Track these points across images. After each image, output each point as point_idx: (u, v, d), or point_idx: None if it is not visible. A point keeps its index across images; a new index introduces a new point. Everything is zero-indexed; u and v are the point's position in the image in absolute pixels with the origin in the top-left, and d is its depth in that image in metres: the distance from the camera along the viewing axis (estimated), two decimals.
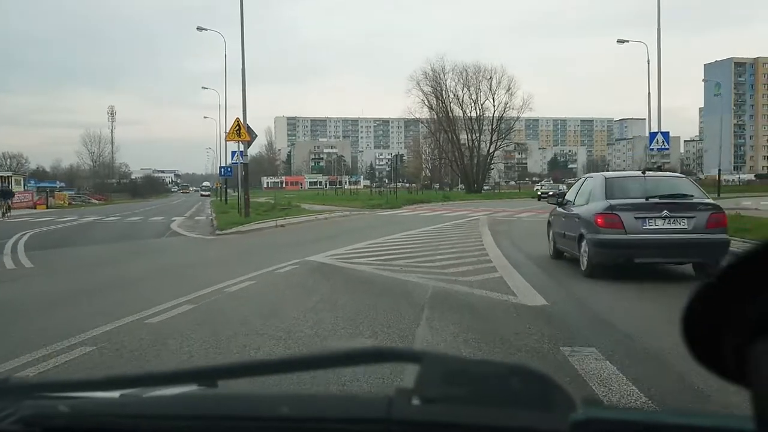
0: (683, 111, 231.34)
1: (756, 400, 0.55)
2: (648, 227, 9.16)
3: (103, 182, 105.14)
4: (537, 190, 62.94)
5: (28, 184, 75.10)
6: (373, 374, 4.34)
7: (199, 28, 42.85)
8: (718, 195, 37.49)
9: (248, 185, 26.07)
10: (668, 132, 25.58)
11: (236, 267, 11.26)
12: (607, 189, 9.90)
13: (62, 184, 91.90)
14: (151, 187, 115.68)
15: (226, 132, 23.28)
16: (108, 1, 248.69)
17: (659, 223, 9.15)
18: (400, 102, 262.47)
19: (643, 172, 10.95)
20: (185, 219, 31.14)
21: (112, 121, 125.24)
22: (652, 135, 25.08)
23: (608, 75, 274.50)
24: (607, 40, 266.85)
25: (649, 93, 38.27)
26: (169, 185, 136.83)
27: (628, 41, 41.03)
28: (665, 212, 9.14)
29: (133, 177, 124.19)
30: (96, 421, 0.99)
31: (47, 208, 51.96)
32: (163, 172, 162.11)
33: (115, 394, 1.06)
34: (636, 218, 9.19)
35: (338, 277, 10.31)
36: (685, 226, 9.13)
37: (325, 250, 13.83)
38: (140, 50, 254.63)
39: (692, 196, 9.67)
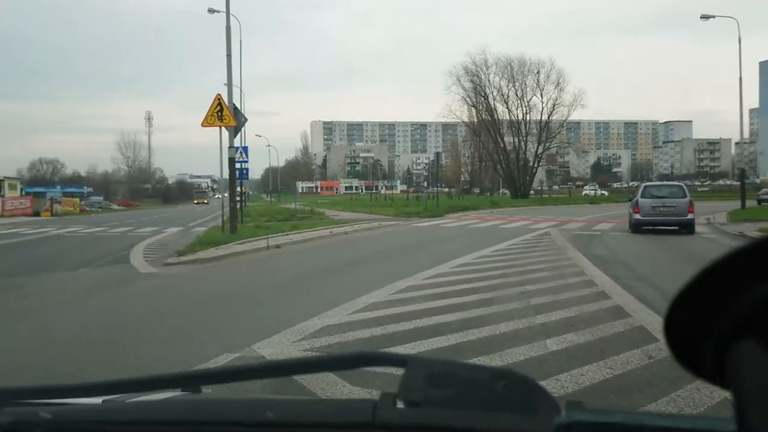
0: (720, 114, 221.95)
1: (736, 402, 0.56)
2: (655, 211, 19.58)
3: (138, 187, 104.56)
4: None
5: (53, 190, 71.22)
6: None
7: (211, 10, 37.83)
8: (743, 206, 30.94)
9: (242, 190, 19.51)
10: None
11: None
12: (642, 191, 20.69)
13: (90, 189, 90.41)
14: (182, 192, 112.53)
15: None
16: (145, 10, 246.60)
17: (661, 210, 19.56)
18: (437, 105, 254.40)
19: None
20: (179, 230, 25.19)
21: (149, 127, 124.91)
22: None
23: (652, 76, 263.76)
24: (648, 40, 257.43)
25: (740, 78, 33.16)
26: (206, 190, 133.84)
27: (713, 16, 35.26)
28: (663, 204, 19.65)
29: (170, 182, 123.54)
30: (78, 427, 0.98)
31: (52, 215, 47.17)
32: (199, 177, 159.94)
33: (97, 400, 1.06)
34: (651, 206, 19.66)
35: None
36: (673, 210, 19.50)
37: (310, 312, 7.42)
38: (177, 58, 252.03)
39: (681, 195, 19.97)
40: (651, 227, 19.41)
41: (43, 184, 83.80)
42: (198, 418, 0.95)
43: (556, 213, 34.91)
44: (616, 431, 0.76)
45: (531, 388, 0.81)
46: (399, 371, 0.84)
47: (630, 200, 21.58)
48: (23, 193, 58.45)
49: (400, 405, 0.83)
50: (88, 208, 62.47)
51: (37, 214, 46.94)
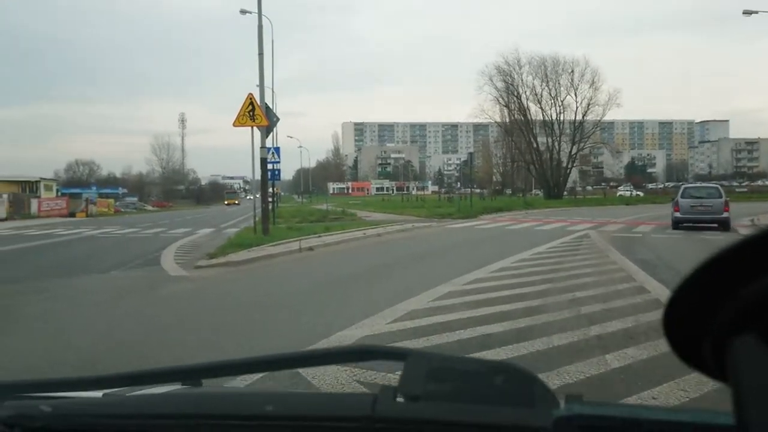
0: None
1: (735, 396, 0.56)
2: (693, 210, 21.41)
3: (172, 188, 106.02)
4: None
5: (88, 191, 72.29)
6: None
7: (243, 11, 38.03)
8: None
9: (274, 190, 19.18)
10: None
11: None
12: (682, 192, 22.87)
13: (125, 191, 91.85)
14: (215, 193, 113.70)
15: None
16: (179, 13, 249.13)
17: (699, 209, 21.31)
18: (468, 106, 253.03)
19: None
20: (211, 232, 25.02)
21: (183, 128, 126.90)
22: None
23: (687, 75, 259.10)
24: (682, 37, 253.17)
25: None
26: (237, 191, 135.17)
27: (756, 12, 34.26)
28: (701, 204, 21.38)
29: (203, 183, 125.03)
30: (78, 421, 0.97)
31: (87, 216, 47.64)
32: (232, 178, 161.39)
33: (98, 393, 1.06)
34: (690, 206, 21.52)
35: None
36: (710, 209, 21.15)
37: (346, 320, 7.03)
38: (210, 61, 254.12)
39: (717, 195, 21.57)
40: (690, 224, 21.33)
41: (80, 185, 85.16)
42: (198, 411, 0.94)
43: (592, 214, 34.04)
44: (615, 424, 0.76)
45: (530, 381, 0.82)
46: (399, 365, 0.83)
47: (673, 200, 24.18)
48: (59, 194, 59.18)
49: (400, 399, 0.82)
50: (122, 209, 63.07)
51: (72, 215, 47.39)
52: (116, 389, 1.09)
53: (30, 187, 54.49)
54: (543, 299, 8.24)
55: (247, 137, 17.42)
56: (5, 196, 45.68)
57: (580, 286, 9.28)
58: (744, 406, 0.54)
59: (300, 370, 4.46)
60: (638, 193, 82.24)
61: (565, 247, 15.74)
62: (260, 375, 3.74)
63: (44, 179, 58.61)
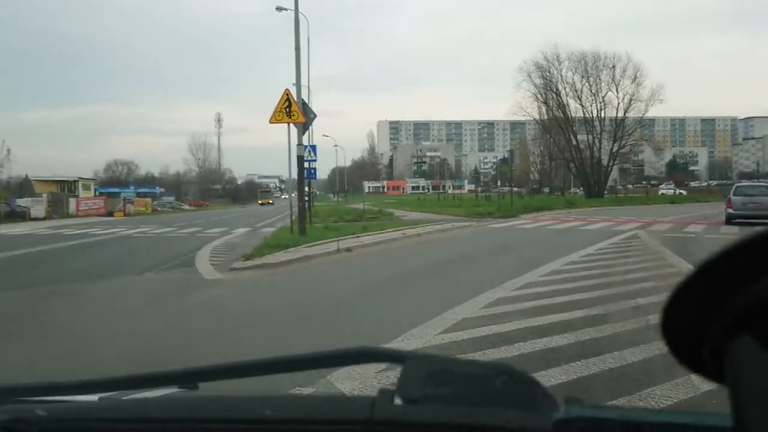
0: None
1: (733, 398, 0.56)
2: (744, 207, 22.67)
3: (208, 188, 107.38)
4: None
5: (127, 190, 73.19)
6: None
7: (279, 8, 37.90)
8: None
9: (309, 189, 18.66)
10: None
11: None
12: (734, 190, 24.38)
13: (162, 190, 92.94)
14: (251, 192, 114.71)
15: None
16: (215, 13, 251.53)
17: (749, 206, 22.61)
18: (505, 104, 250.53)
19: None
20: (246, 231, 24.68)
21: (219, 128, 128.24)
22: None
23: (729, 71, 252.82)
24: (724, 33, 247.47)
25: None
26: (270, 189, 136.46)
27: None
28: (752, 201, 22.80)
29: (239, 182, 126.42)
30: (74, 425, 0.98)
31: (124, 215, 48.05)
32: (267, 177, 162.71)
33: (94, 397, 1.05)
34: (741, 203, 22.85)
35: None
36: (761, 206, 22.15)
37: (391, 331, 6.47)
38: (246, 61, 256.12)
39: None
40: (742, 219, 22.53)
41: (118, 184, 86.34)
42: (195, 415, 0.94)
43: (637, 213, 32.87)
44: (615, 427, 0.76)
45: (529, 384, 0.82)
46: (397, 368, 0.82)
47: (725, 197, 25.88)
48: (97, 193, 59.75)
49: (398, 402, 0.82)
50: (159, 208, 63.58)
51: (110, 214, 47.76)
52: (112, 393, 1.06)
53: (68, 186, 55.04)
54: (603, 307, 7.56)
55: (282, 136, 17.11)
56: (44, 195, 46.21)
57: (640, 292, 8.56)
58: (742, 408, 0.55)
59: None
60: (681, 191, 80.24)
61: (615, 249, 14.95)
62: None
63: (82, 179, 59.17)
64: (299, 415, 0.91)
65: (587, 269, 11.12)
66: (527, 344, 5.72)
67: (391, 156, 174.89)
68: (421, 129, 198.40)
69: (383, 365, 1.17)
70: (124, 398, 1.09)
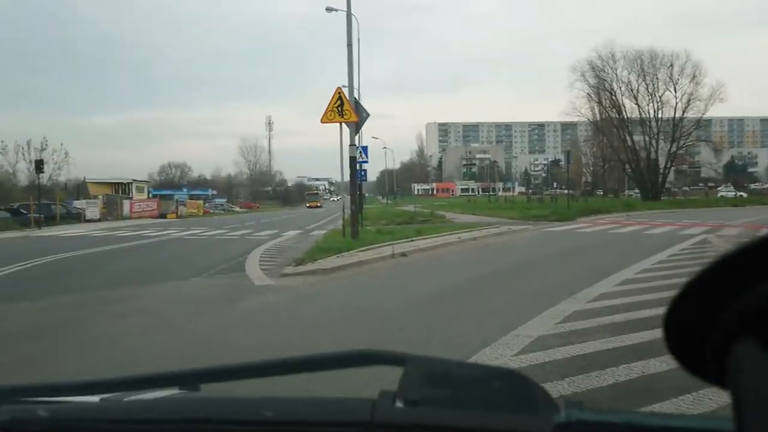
0: None
1: (735, 402, 0.56)
2: None
3: (259, 190, 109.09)
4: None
5: (179, 192, 74.20)
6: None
7: (329, 9, 37.66)
8: None
9: (359, 191, 18.12)
10: None
11: None
12: None
13: (214, 192, 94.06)
14: (301, 194, 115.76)
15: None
16: (265, 17, 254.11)
17: None
18: (556, 105, 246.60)
19: None
20: (297, 234, 24.34)
21: (270, 131, 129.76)
22: None
23: None
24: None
25: None
26: (318, 192, 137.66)
27: None
28: None
29: (289, 185, 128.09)
30: (76, 425, 0.97)
31: (177, 217, 48.55)
32: (317, 179, 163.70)
33: (95, 398, 1.05)
34: None
35: None
36: None
37: (460, 351, 5.84)
38: (296, 64, 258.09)
39: None
40: None
41: (171, 187, 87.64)
42: (196, 416, 0.94)
43: (700, 216, 31.48)
44: (615, 431, 0.76)
45: (530, 387, 0.81)
46: (398, 370, 0.83)
47: None
48: (150, 195, 60.56)
49: (398, 404, 0.82)
50: (211, 211, 64.19)
51: (163, 216, 48.27)
52: (113, 394, 1.07)
53: (123, 188, 55.95)
54: None
55: (334, 138, 16.59)
56: (99, 197, 46.91)
57: None
58: (744, 412, 0.55)
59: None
60: (741, 194, 77.38)
61: (688, 255, 13.99)
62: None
63: (136, 181, 60.05)
64: (300, 416, 0.90)
65: (664, 278, 10.26)
66: (619, 369, 5.00)
67: (440, 158, 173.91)
68: (470, 131, 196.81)
69: (384, 367, 0.77)
70: (125, 399, 1.08)
